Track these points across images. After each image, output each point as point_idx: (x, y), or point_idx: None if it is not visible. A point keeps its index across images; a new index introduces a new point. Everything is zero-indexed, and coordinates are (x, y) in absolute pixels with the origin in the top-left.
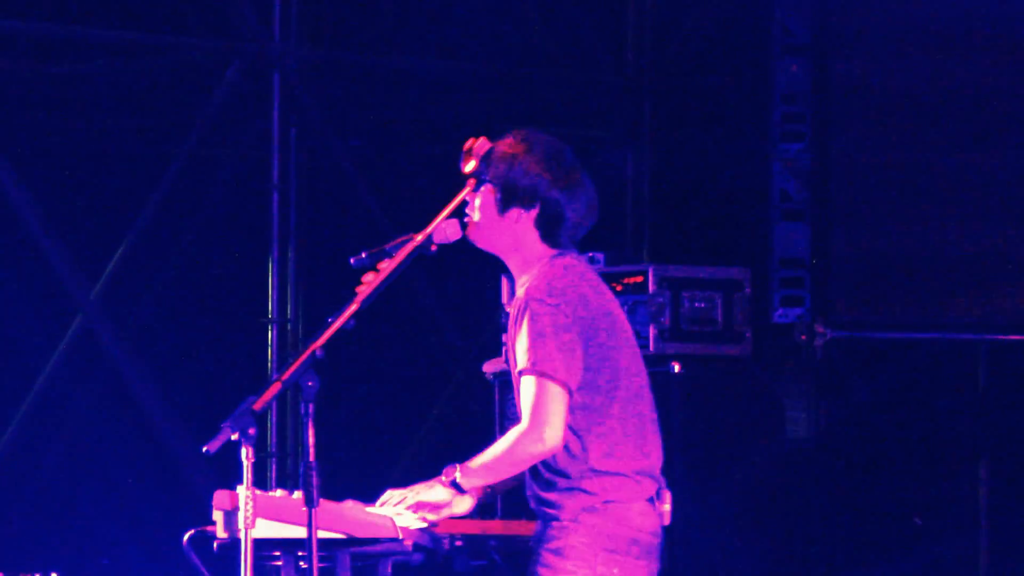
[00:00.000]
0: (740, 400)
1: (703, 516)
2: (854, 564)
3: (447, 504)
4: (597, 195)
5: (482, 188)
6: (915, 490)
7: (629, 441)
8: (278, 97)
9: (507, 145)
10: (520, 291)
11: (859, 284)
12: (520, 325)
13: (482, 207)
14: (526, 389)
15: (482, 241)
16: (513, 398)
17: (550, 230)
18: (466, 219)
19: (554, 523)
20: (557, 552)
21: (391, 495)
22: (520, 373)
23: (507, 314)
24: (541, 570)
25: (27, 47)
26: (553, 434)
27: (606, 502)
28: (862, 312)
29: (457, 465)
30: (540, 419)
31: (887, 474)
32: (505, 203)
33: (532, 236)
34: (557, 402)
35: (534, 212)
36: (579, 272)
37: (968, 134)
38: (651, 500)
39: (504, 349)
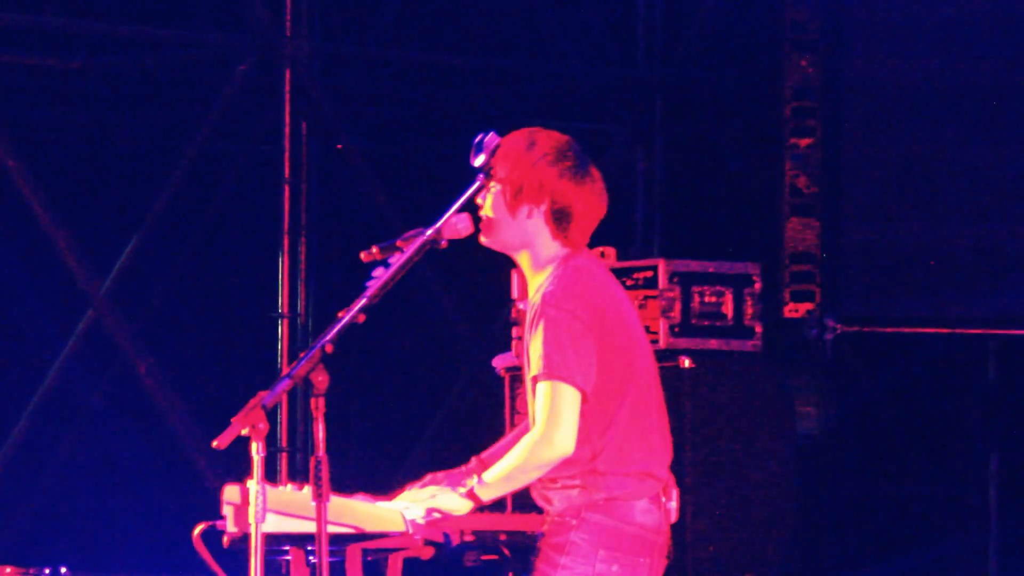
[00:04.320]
0: (750, 395)
1: (713, 511)
2: (864, 559)
3: (462, 512)
4: (606, 186)
5: (492, 188)
6: (925, 485)
7: (636, 441)
8: (289, 91)
9: (512, 143)
10: (535, 296)
11: (869, 279)
12: (535, 330)
13: (493, 207)
14: (541, 394)
15: (495, 242)
16: (523, 392)
17: (561, 225)
18: (480, 222)
19: (556, 519)
20: (558, 548)
21: (409, 493)
22: (534, 379)
23: (517, 308)
24: (542, 566)
25: (38, 42)
26: (565, 439)
27: (609, 499)
28: (872, 307)
29: (476, 476)
30: (552, 425)
31: (897, 469)
32: (515, 201)
33: (544, 233)
34: (570, 407)
35: (544, 208)
36: (593, 274)
37: (978, 130)
38: (655, 498)
39: (513, 343)
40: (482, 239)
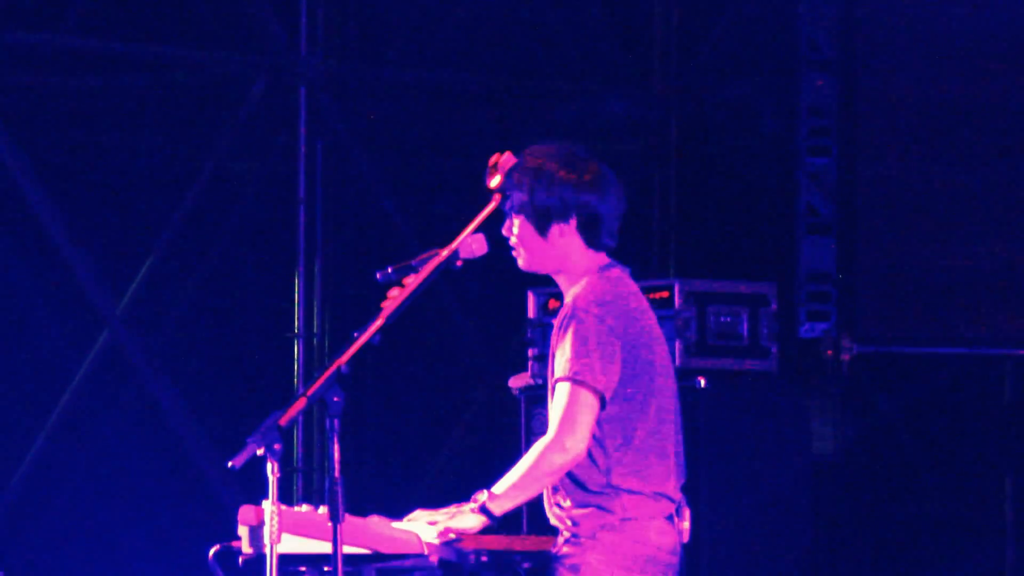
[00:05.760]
0: (766, 415)
1: (728, 531)
2: None
3: (476, 531)
4: (618, 181)
5: (515, 219)
6: (941, 506)
7: (653, 459)
8: (304, 111)
9: (520, 169)
10: (567, 300)
11: (886, 299)
12: (565, 333)
13: (522, 238)
14: (559, 395)
15: (535, 267)
16: (541, 412)
17: (592, 233)
18: (513, 253)
19: (571, 539)
20: (573, 569)
21: (420, 515)
22: (557, 380)
23: (533, 329)
24: None
25: (55, 61)
26: (576, 442)
27: (624, 520)
28: (889, 327)
29: (486, 491)
30: (564, 427)
31: (913, 489)
32: (543, 225)
33: (577, 244)
34: (586, 410)
35: (573, 222)
36: (625, 286)
37: (995, 149)
38: (670, 518)
39: (529, 363)
40: (521, 265)
